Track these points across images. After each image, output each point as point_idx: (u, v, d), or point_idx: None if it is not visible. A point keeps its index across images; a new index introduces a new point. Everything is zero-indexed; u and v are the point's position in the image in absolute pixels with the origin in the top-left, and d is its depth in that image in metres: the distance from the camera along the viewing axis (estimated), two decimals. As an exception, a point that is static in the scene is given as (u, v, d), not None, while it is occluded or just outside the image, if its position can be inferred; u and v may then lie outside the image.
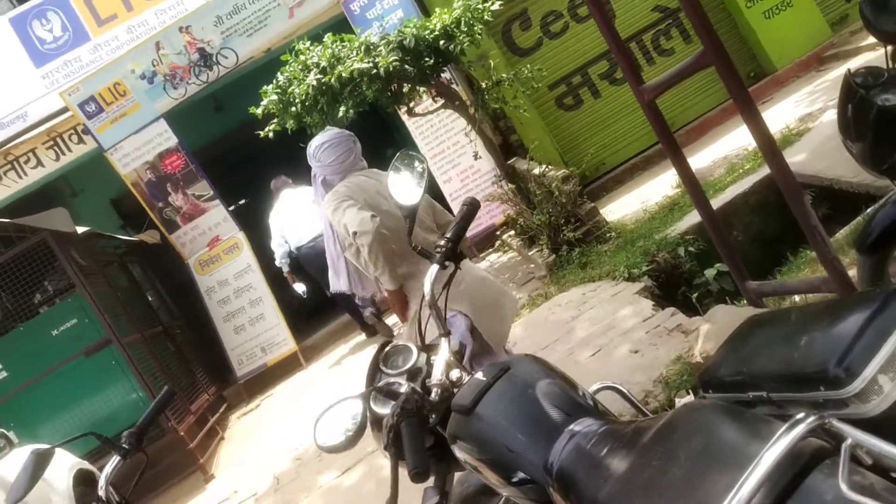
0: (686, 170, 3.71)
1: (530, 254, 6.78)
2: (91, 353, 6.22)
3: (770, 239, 5.66)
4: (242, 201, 11.93)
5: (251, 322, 8.35)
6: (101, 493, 2.08)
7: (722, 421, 1.14)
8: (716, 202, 5.71)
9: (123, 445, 2.14)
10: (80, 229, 6.14)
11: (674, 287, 5.32)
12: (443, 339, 2.01)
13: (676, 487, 1.09)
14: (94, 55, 9.40)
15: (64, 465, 4.96)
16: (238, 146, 9.28)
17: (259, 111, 6.59)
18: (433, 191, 9.59)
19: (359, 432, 1.71)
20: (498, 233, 8.40)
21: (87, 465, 5.24)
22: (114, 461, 2.14)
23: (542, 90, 8.46)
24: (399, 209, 2.17)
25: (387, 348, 2.07)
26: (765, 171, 5.87)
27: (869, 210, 4.57)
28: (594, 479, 1.32)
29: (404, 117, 7.86)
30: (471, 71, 8.18)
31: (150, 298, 7.91)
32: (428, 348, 2.06)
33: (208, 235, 8.54)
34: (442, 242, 2.08)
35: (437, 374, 1.87)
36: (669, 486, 1.10)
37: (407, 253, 3.50)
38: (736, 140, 7.43)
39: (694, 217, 5.70)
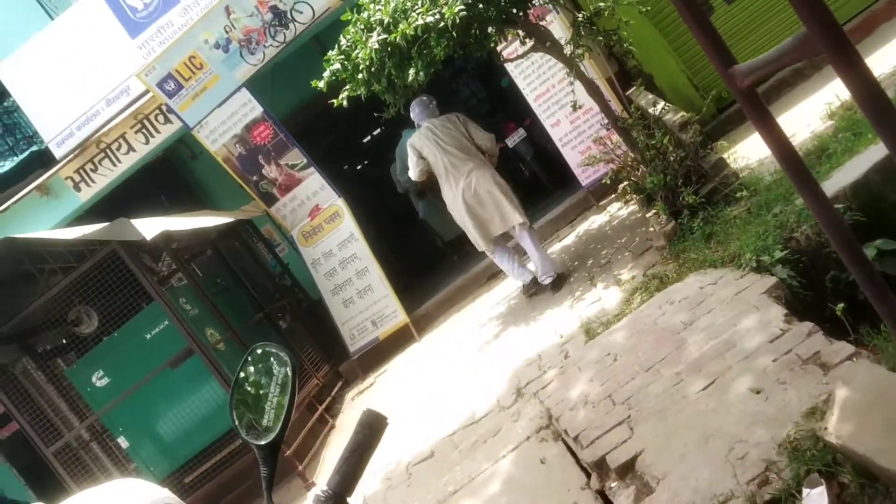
0: (784, 149, 2.64)
1: (647, 216, 5.75)
2: (176, 364, 5.95)
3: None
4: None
5: (359, 294, 7.88)
6: None
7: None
8: (869, 155, 4.44)
9: None
10: (154, 231, 5.76)
11: (821, 272, 4.20)
12: None
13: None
14: (184, 18, 8.99)
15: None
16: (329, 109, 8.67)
17: (321, 84, 5.85)
18: (542, 136, 8.57)
19: None
20: (622, 176, 7.34)
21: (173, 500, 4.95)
22: None
23: (661, 3, 7.15)
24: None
25: None
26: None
27: None
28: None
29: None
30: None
31: (247, 282, 7.57)
32: None
33: (308, 205, 8.07)
34: (322, 495, 1.33)
35: None
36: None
37: (440, 172, 6.34)
38: (910, 43, 5.93)
39: (848, 173, 4.47)
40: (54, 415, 6.67)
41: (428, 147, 6.31)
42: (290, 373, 1.33)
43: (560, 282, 6.20)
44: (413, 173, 6.53)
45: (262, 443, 1.33)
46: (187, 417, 6.11)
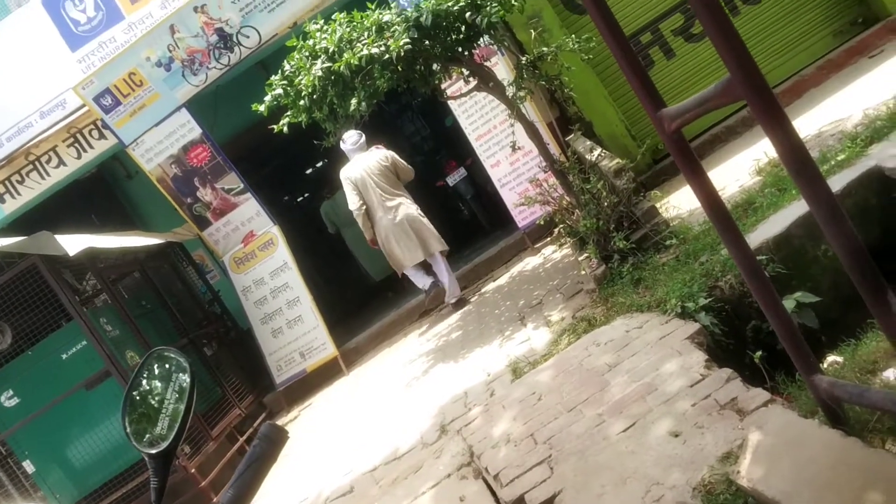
0: (711, 198, 2.72)
1: (580, 259, 5.82)
2: (91, 385, 5.73)
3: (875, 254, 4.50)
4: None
5: (289, 325, 7.74)
6: None
7: None
8: (792, 210, 4.59)
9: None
10: (77, 247, 5.57)
11: (743, 320, 4.29)
12: None
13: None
14: (128, 35, 8.85)
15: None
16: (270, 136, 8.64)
17: (262, 108, 5.81)
18: (482, 176, 8.67)
19: None
20: (557, 219, 7.42)
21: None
22: None
23: (605, 53, 7.30)
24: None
25: None
26: (865, 163, 4.69)
27: None
28: None
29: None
30: (516, 37, 7.21)
31: (174, 306, 7.36)
32: None
33: (242, 231, 7.94)
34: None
35: None
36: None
37: (373, 202, 7.11)
38: (835, 108, 6.19)
39: (773, 226, 4.61)
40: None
41: (361, 183, 7.10)
42: (188, 379, 1.27)
43: (462, 303, 7.28)
44: (352, 205, 7.18)
45: (154, 451, 1.26)
46: (100, 443, 5.86)
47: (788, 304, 4.12)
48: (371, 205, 7.12)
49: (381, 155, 7.25)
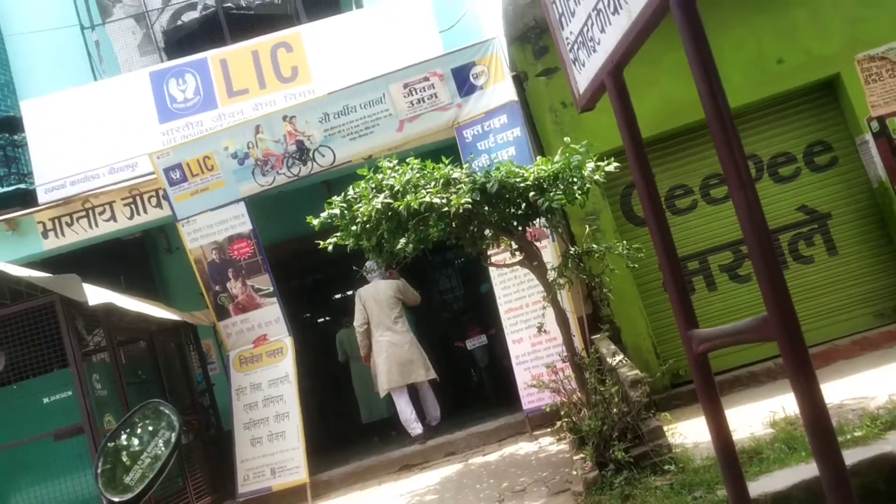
0: (722, 431, 2.67)
1: (575, 458, 5.70)
2: (61, 437, 5.63)
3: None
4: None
5: (270, 438, 7.58)
6: None
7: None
8: (799, 471, 4.48)
9: None
10: (99, 299, 5.63)
11: (722, 570, 4.10)
12: None
13: None
14: (216, 123, 9.31)
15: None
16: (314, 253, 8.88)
17: (316, 222, 6.00)
18: (501, 349, 8.71)
19: None
20: (563, 412, 7.32)
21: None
22: None
23: (650, 267, 7.47)
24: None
25: None
26: (881, 447, 4.61)
27: None
28: None
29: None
30: (571, 227, 7.44)
31: (167, 385, 7.31)
32: None
33: (256, 332, 7.97)
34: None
35: None
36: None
37: (376, 322, 8.14)
38: (861, 385, 6.15)
39: (775, 482, 4.49)
40: None
41: (370, 305, 8.18)
42: (172, 439, 1.27)
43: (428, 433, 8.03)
44: (356, 321, 8.25)
45: (116, 500, 1.24)
46: (50, 496, 5.67)
47: (773, 567, 3.96)
48: (373, 324, 8.10)
49: (392, 282, 8.31)
